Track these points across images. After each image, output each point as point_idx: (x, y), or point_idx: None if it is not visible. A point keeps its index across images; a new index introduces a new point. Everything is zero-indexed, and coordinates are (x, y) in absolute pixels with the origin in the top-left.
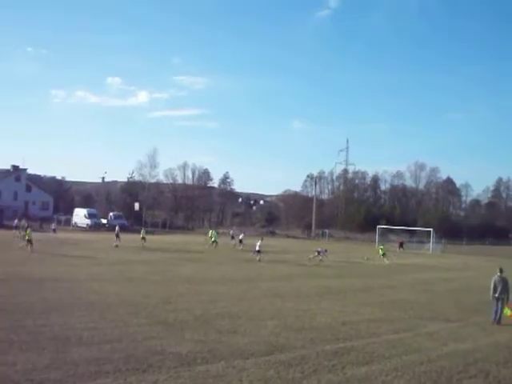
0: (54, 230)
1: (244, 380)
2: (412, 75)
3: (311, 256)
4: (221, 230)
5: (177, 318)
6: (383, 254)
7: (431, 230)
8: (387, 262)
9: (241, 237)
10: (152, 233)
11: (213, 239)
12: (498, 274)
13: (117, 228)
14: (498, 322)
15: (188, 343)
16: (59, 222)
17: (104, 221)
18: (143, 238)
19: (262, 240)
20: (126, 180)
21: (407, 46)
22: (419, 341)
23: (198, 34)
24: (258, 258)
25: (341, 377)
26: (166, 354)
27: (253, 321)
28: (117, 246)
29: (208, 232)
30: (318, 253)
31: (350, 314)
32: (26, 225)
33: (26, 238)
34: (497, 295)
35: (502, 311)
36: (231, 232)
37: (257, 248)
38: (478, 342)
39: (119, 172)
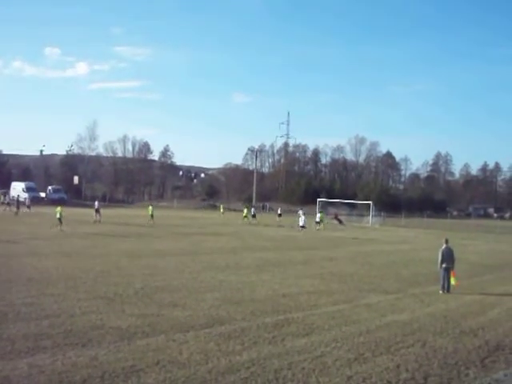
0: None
1: (184, 353)
2: (353, 48)
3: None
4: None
5: (117, 292)
6: (319, 221)
7: (370, 203)
8: (317, 228)
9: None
10: (91, 207)
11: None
12: (445, 244)
13: (96, 203)
14: (448, 290)
15: (128, 317)
16: None
17: (42, 194)
18: (152, 216)
19: (304, 215)
20: (64, 153)
21: (347, 21)
22: (358, 312)
23: (139, 3)
24: (302, 233)
25: (281, 348)
26: (105, 328)
27: (193, 294)
28: (95, 221)
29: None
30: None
31: (290, 286)
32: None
33: (57, 216)
34: (445, 265)
35: (449, 281)
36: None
37: (301, 223)
38: (416, 313)
39: (58, 145)
